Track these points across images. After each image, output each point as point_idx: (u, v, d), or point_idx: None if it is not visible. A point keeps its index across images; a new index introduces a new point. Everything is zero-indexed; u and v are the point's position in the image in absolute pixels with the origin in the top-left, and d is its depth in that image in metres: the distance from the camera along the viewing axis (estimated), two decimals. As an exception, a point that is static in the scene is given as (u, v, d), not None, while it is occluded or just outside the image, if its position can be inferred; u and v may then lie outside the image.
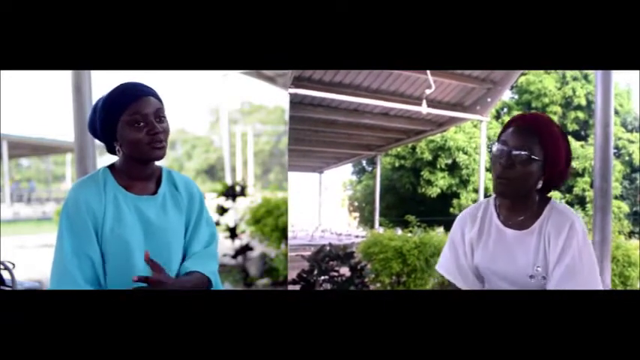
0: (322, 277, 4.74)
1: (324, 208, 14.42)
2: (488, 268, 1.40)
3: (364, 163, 15.79)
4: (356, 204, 16.20)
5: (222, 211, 6.37)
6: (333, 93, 6.50)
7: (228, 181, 7.69)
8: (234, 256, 6.22)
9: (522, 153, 1.27)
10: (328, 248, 4.99)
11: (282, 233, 6.03)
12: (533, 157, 1.28)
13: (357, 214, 16.07)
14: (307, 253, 5.20)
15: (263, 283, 6.09)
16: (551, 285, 1.31)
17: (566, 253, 1.28)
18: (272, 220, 6.07)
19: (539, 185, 1.32)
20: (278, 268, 5.91)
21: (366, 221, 13.73)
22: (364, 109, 7.78)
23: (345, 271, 4.95)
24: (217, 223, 6.19)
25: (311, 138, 9.25)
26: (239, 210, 6.64)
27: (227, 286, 5.69)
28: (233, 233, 6.28)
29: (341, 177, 17.64)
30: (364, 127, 8.68)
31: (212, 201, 6.41)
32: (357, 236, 9.65)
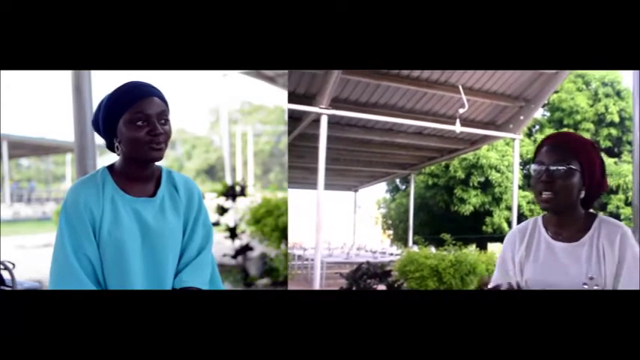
0: (360, 296, 4.73)
1: (359, 226, 14.56)
2: (540, 282, 1.43)
3: (398, 181, 15.80)
4: (389, 222, 16.16)
5: (222, 211, 6.37)
6: (368, 113, 6.56)
7: (228, 181, 7.68)
8: (234, 256, 6.23)
9: (560, 167, 1.34)
10: (366, 266, 4.98)
11: (282, 233, 6.04)
12: (571, 167, 1.34)
13: (390, 232, 16.05)
14: (344, 271, 5.14)
15: (263, 283, 6.10)
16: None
17: (624, 263, 1.33)
18: (272, 220, 6.07)
19: (582, 195, 1.38)
20: (278, 268, 5.91)
21: (400, 239, 13.70)
22: (399, 128, 7.86)
23: (381, 289, 4.97)
24: (217, 223, 6.19)
25: (346, 157, 9.36)
26: (239, 210, 6.64)
27: (227, 286, 5.69)
28: (233, 233, 6.28)
29: (375, 195, 17.69)
30: (398, 146, 8.72)
31: (212, 201, 6.42)
32: (391, 254, 9.69)
